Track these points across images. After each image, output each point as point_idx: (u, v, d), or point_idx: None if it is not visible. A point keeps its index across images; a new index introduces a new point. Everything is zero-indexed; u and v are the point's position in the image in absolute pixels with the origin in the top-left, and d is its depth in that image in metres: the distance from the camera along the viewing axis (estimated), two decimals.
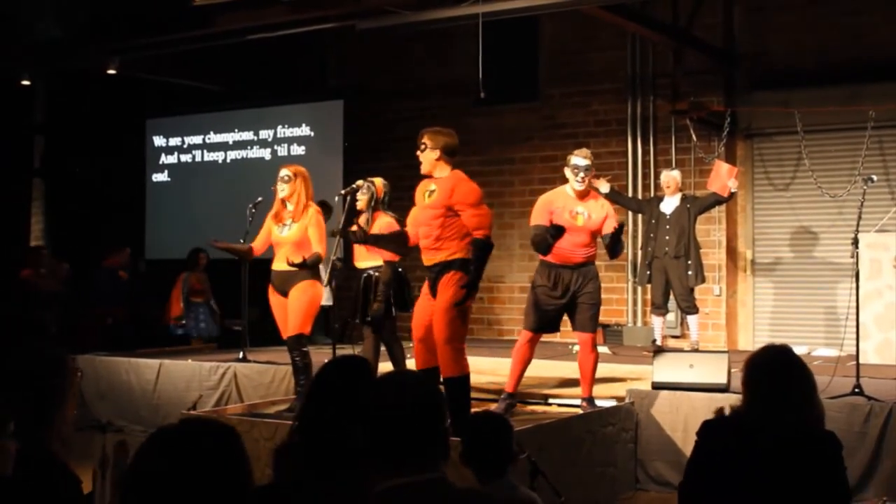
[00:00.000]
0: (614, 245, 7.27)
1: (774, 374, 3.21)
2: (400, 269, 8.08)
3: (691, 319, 10.38)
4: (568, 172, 7.42)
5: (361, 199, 8.02)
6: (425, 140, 6.57)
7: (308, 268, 7.56)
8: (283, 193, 7.66)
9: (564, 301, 7.36)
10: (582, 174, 7.34)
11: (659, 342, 10.33)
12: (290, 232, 7.66)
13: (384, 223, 7.89)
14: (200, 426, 2.11)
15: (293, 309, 7.61)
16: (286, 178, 7.66)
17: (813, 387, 3.24)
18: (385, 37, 11.58)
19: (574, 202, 7.37)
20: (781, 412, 3.14)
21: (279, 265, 7.72)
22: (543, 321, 7.40)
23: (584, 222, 7.32)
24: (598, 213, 7.38)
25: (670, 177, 10.37)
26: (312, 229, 7.66)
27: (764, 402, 3.18)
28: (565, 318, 7.52)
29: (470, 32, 9.32)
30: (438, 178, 6.56)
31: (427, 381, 2.56)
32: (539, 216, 7.36)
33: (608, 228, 7.34)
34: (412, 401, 2.41)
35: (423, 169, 6.61)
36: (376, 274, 7.99)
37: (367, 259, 8.05)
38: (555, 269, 7.35)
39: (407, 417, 2.38)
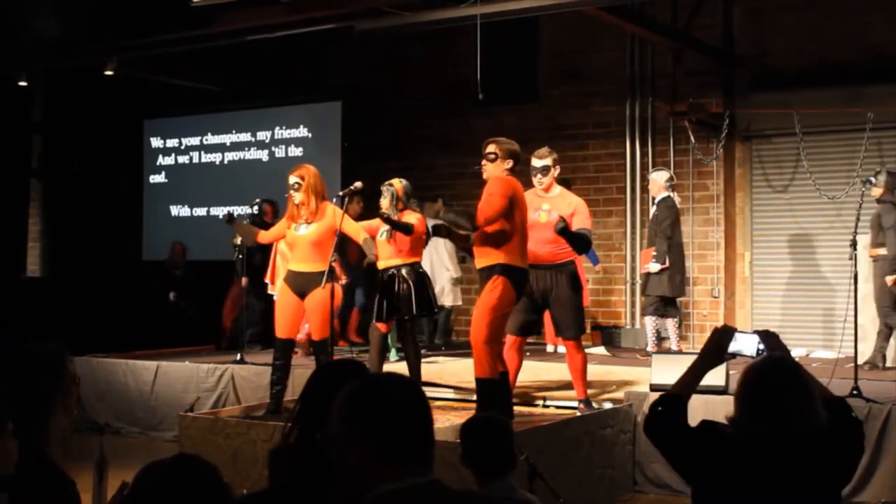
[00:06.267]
0: (570, 242, 7.25)
1: (764, 386, 3.12)
2: (421, 270, 8.13)
3: (667, 324, 10.30)
4: (531, 173, 7.50)
5: (384, 202, 8.17)
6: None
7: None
8: (298, 200, 7.66)
9: (538, 302, 7.37)
10: (539, 175, 7.41)
11: (650, 347, 10.28)
12: (309, 231, 7.64)
13: (415, 219, 8.13)
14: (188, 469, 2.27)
15: (319, 311, 7.55)
16: (296, 185, 7.65)
17: (808, 396, 3.13)
18: (385, 37, 11.56)
19: (538, 200, 7.42)
20: (770, 425, 3.06)
21: (298, 265, 7.72)
22: (521, 324, 7.38)
23: (548, 219, 7.30)
24: (563, 209, 7.35)
25: (651, 179, 10.44)
26: (350, 225, 7.68)
27: (753, 413, 3.10)
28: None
29: (471, 33, 9.31)
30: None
31: (411, 381, 2.55)
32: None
33: (580, 224, 7.35)
34: (398, 403, 2.40)
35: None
36: (399, 272, 8.02)
37: (389, 259, 8.07)
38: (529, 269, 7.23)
39: (395, 420, 2.36)
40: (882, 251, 9.30)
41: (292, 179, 7.70)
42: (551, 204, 7.38)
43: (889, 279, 9.19)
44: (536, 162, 7.45)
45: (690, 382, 3.29)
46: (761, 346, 3.29)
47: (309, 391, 2.93)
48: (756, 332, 3.35)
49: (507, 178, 6.70)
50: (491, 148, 6.76)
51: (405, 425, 2.35)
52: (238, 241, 9.98)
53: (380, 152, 13.23)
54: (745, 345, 3.30)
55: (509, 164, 6.73)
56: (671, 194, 10.26)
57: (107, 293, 14.09)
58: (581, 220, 7.39)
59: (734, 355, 3.34)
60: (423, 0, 10.04)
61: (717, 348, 3.31)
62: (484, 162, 6.75)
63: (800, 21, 11.49)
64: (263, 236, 8.23)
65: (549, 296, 7.35)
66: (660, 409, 3.25)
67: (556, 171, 7.51)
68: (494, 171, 6.72)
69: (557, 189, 7.57)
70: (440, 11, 9.96)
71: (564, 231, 7.04)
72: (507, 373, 6.86)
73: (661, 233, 10.01)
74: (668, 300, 10.17)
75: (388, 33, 10.86)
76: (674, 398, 3.26)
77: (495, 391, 6.61)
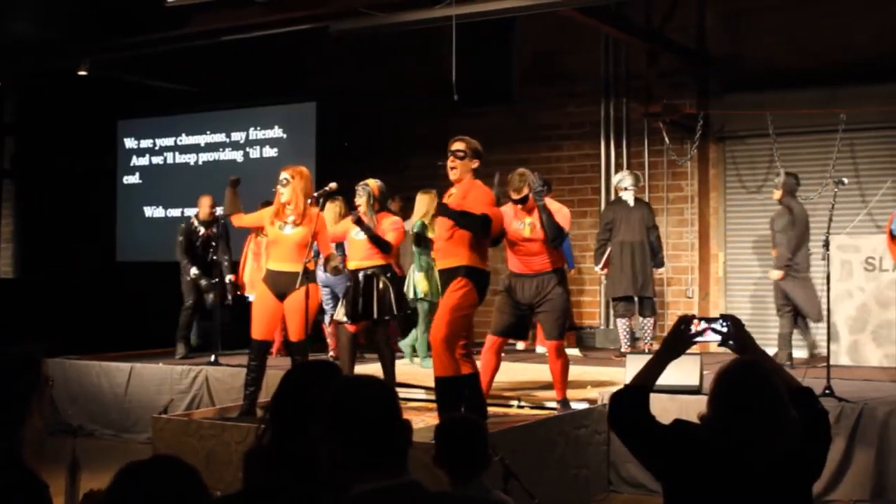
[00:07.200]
0: (546, 227, 7.33)
1: (737, 389, 3.11)
2: (389, 274, 8.13)
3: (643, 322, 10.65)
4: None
5: (359, 201, 8.15)
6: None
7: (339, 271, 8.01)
8: (284, 198, 7.64)
9: (525, 309, 7.58)
10: (520, 206, 7.48)
11: (623, 348, 10.39)
12: (296, 232, 7.62)
13: (390, 222, 8.15)
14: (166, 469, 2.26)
15: (299, 313, 7.53)
16: (284, 181, 7.63)
17: (780, 399, 3.12)
18: (362, 38, 11.55)
19: (522, 214, 7.51)
20: (743, 427, 3.05)
21: (280, 265, 7.66)
22: (504, 326, 7.61)
23: (531, 233, 7.45)
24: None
25: None
26: (325, 233, 7.77)
27: (726, 415, 3.09)
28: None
29: (447, 34, 9.30)
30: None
31: (384, 384, 2.56)
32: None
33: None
34: (376, 405, 2.41)
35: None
36: (376, 274, 8.05)
37: (363, 260, 8.07)
38: (515, 278, 7.58)
39: (372, 422, 2.37)
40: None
41: (283, 175, 7.69)
42: (533, 218, 7.47)
43: (773, 274, 9.58)
44: (513, 196, 7.47)
45: (653, 373, 3.29)
46: (724, 330, 3.31)
47: (281, 392, 2.92)
48: (721, 316, 3.37)
49: (485, 186, 6.81)
50: (461, 146, 6.78)
51: (382, 427, 2.37)
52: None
53: (355, 153, 13.20)
54: (709, 331, 3.32)
55: (476, 163, 6.80)
56: (622, 194, 10.52)
57: (80, 294, 14.02)
58: (558, 219, 7.47)
59: (696, 342, 3.35)
60: (400, 1, 10.03)
61: (679, 337, 3.33)
62: (453, 159, 6.76)
63: (773, 23, 11.55)
64: (240, 219, 8.10)
65: (540, 304, 7.52)
66: (621, 400, 3.26)
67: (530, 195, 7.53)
68: (464, 169, 6.75)
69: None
70: (415, 12, 9.95)
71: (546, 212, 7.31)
72: (476, 374, 6.86)
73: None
74: (632, 300, 10.42)
75: (364, 34, 10.85)
76: (635, 389, 3.27)
77: (455, 390, 6.63)
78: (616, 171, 12.32)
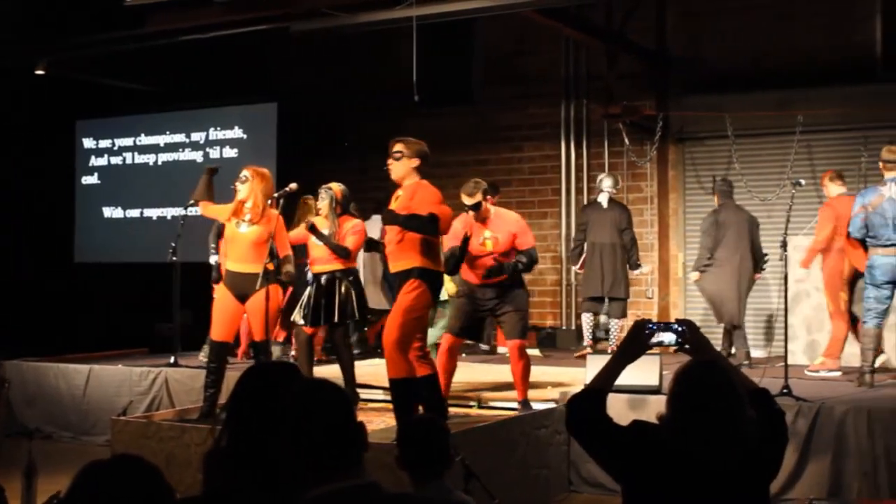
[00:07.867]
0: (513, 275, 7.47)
1: (695, 389, 3.12)
2: (351, 278, 8.12)
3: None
4: (464, 209, 7.59)
5: (322, 204, 8.17)
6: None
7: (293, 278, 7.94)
8: (241, 195, 7.60)
9: (485, 311, 7.64)
10: (472, 213, 7.48)
11: (586, 342, 10.52)
12: (251, 231, 7.57)
13: (350, 226, 8.14)
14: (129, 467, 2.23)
15: (262, 313, 7.49)
16: (244, 178, 7.61)
17: (738, 399, 3.13)
18: (326, 38, 11.51)
19: (480, 229, 7.51)
20: (701, 427, 3.06)
21: (238, 265, 7.62)
22: (460, 327, 7.64)
23: (493, 246, 7.49)
24: (504, 233, 7.50)
25: None
26: (282, 234, 7.68)
27: (684, 415, 3.10)
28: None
29: (409, 35, 9.29)
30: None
31: (335, 385, 2.57)
32: (451, 241, 7.40)
33: (526, 244, 7.50)
34: (336, 409, 2.42)
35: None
36: (338, 278, 8.05)
37: (325, 264, 8.06)
38: (475, 287, 7.59)
39: (331, 426, 2.38)
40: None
41: (243, 173, 7.68)
42: (492, 229, 7.50)
43: (691, 276, 10.00)
44: (466, 200, 7.46)
45: (609, 376, 3.31)
46: (680, 330, 3.33)
47: (237, 394, 2.91)
48: (676, 321, 3.39)
49: (432, 186, 6.76)
50: (397, 147, 6.76)
51: (341, 430, 2.38)
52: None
53: (316, 153, 13.16)
54: (665, 335, 3.34)
55: (416, 163, 6.71)
56: (599, 196, 10.66)
57: (38, 296, 13.88)
58: (527, 240, 7.55)
59: (653, 346, 3.37)
60: (361, 2, 10.01)
61: (635, 341, 3.34)
62: (390, 161, 6.75)
63: (732, 25, 11.65)
64: (207, 207, 7.98)
65: (500, 308, 7.56)
66: (579, 404, 3.28)
67: (487, 202, 7.54)
68: (401, 169, 6.72)
69: (492, 211, 7.63)
70: (376, 13, 9.93)
71: (512, 270, 7.43)
72: (434, 375, 6.87)
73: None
74: (602, 298, 10.52)
75: (325, 35, 10.81)
76: (592, 393, 3.28)
77: (409, 391, 6.63)
78: (576, 172, 12.42)
